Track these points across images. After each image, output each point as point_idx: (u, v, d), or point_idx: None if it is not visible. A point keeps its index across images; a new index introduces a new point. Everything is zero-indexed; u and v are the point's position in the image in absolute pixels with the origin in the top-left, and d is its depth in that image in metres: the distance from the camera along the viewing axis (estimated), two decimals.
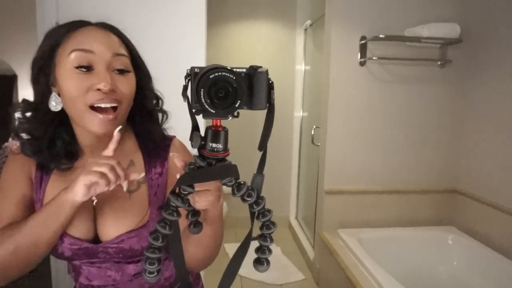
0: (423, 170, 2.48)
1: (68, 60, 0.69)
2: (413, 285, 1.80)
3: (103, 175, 0.64)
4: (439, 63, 2.38)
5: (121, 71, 0.72)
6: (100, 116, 0.69)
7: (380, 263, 1.92)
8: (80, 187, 0.64)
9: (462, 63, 2.40)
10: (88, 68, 0.69)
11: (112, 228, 0.76)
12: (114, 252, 0.76)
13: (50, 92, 0.73)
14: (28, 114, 0.75)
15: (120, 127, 0.71)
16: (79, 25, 0.73)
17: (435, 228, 2.44)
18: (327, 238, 2.35)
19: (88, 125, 0.70)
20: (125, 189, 0.67)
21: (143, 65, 0.80)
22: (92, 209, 0.78)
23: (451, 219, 2.52)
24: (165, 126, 0.87)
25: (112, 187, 0.65)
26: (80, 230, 0.76)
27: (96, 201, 0.77)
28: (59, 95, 0.72)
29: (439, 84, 2.42)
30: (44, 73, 0.72)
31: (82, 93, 0.68)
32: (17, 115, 0.74)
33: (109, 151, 0.68)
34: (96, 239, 0.77)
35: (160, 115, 0.86)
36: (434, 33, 2.18)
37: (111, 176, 0.64)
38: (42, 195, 0.77)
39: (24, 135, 0.74)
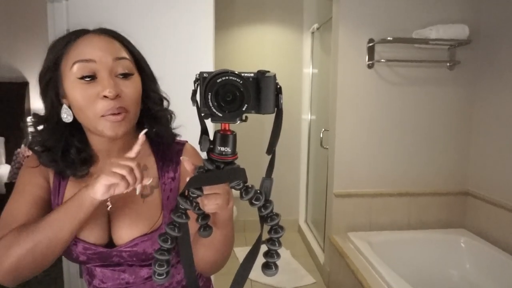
0: (433, 172, 2.46)
1: (71, 73, 0.70)
2: (424, 287, 1.77)
3: (123, 177, 0.64)
4: (448, 64, 2.36)
5: (125, 75, 0.73)
6: (111, 119, 0.70)
7: (391, 266, 1.90)
8: (100, 186, 0.65)
9: (471, 64, 2.37)
10: (91, 77, 0.70)
11: (126, 232, 0.77)
12: (128, 255, 0.77)
13: (61, 104, 0.74)
14: (40, 127, 0.76)
15: (145, 130, 0.72)
16: (78, 34, 0.73)
17: (447, 230, 2.41)
18: (337, 241, 2.34)
19: (101, 130, 0.71)
20: (137, 192, 0.68)
21: (147, 67, 0.81)
22: (106, 214, 0.79)
23: (462, 222, 2.48)
24: (174, 125, 0.87)
25: (130, 188, 0.66)
26: (94, 235, 0.77)
27: (110, 206, 0.78)
28: (69, 106, 0.73)
29: (448, 85, 2.40)
30: (52, 86, 0.73)
31: (90, 102, 0.69)
32: (30, 129, 0.76)
33: (132, 153, 0.69)
34: (110, 243, 0.78)
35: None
36: (442, 35, 2.16)
37: (130, 178, 0.65)
38: (61, 200, 0.78)
39: (39, 148, 0.76)
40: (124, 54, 0.74)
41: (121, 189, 0.65)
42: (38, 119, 0.76)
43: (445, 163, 2.46)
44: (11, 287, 0.70)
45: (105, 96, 0.69)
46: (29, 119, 0.77)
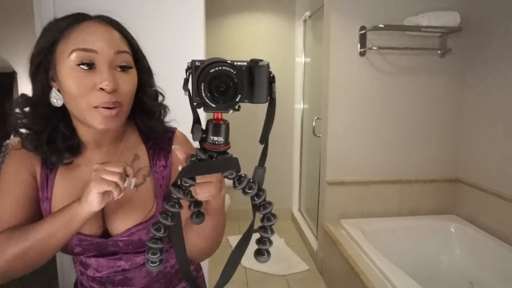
0: (424, 159, 2.49)
1: (69, 59, 0.67)
2: (415, 273, 1.81)
3: (116, 185, 0.64)
4: (439, 52, 2.37)
5: (123, 68, 0.71)
6: (104, 112, 0.68)
7: (382, 253, 1.93)
8: (94, 196, 0.65)
9: (462, 52, 2.38)
10: (90, 66, 0.68)
11: (121, 222, 0.77)
12: (124, 244, 0.78)
13: (50, 88, 0.72)
14: (27, 109, 0.73)
15: (138, 155, 0.75)
16: (79, 19, 0.70)
17: (437, 217, 2.45)
18: (330, 229, 2.36)
19: (91, 122, 0.69)
20: (132, 186, 0.68)
21: (144, 60, 0.79)
22: None
23: (453, 209, 2.53)
24: (168, 119, 0.86)
25: (123, 193, 0.66)
26: (89, 227, 0.77)
27: None
28: (59, 91, 0.71)
29: (439, 73, 2.41)
30: (43, 69, 0.71)
31: (84, 92, 0.67)
32: (16, 110, 0.73)
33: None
34: (104, 233, 0.79)
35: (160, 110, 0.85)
36: (434, 22, 2.16)
37: (121, 184, 0.65)
38: (50, 194, 0.77)
39: (24, 130, 0.74)
40: (125, 47, 0.73)
41: (115, 195, 0.66)
42: (26, 100, 0.73)
43: (437, 150, 2.49)
44: (6, 282, 0.72)
45: (101, 89, 0.67)
46: (18, 95, 0.74)
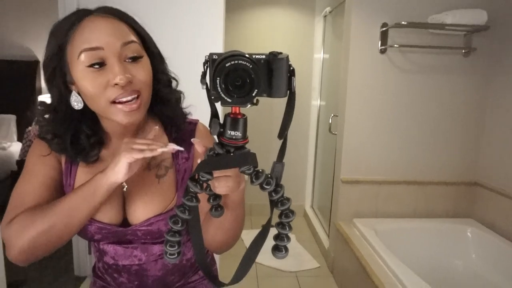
0: (442, 161, 2.43)
1: (79, 61, 0.67)
2: (429, 277, 1.78)
3: (143, 150, 0.65)
4: (463, 51, 2.31)
5: (134, 58, 0.70)
6: (124, 108, 0.68)
7: (395, 254, 1.91)
8: (123, 166, 0.65)
9: (487, 51, 2.31)
10: (100, 64, 0.67)
11: (142, 212, 0.78)
12: (142, 234, 0.79)
13: (69, 91, 0.72)
14: (47, 115, 0.74)
15: (156, 127, 0.73)
16: (81, 16, 0.69)
17: (453, 220, 2.40)
18: (342, 228, 2.35)
19: (114, 117, 0.69)
20: (171, 148, 0.68)
21: (154, 47, 0.77)
22: (122, 195, 0.80)
23: (469, 212, 2.47)
24: (184, 105, 0.86)
25: (154, 153, 0.66)
26: (109, 215, 0.78)
27: (126, 187, 0.79)
28: (78, 93, 0.71)
29: (462, 73, 2.34)
30: (59, 74, 0.71)
31: (101, 90, 0.67)
32: (38, 118, 0.75)
33: (150, 135, 0.71)
34: (124, 222, 0.80)
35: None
36: (459, 20, 2.10)
37: (149, 148, 0.66)
38: (73, 181, 0.79)
39: (49, 136, 0.75)
40: (132, 37, 0.71)
41: (146, 154, 0.65)
42: (45, 108, 0.74)
43: (455, 152, 2.43)
44: (23, 265, 0.72)
45: (116, 84, 0.67)
46: (38, 103, 0.76)
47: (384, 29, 2.24)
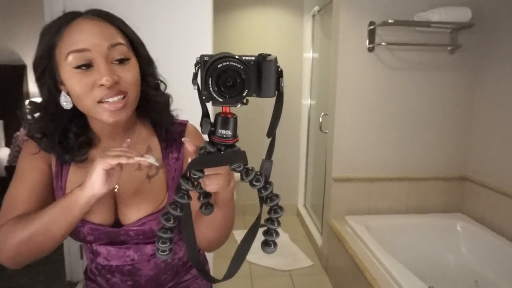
0: (432, 157, 2.47)
1: (67, 63, 0.68)
2: (420, 271, 1.81)
3: (119, 156, 0.64)
4: (449, 48, 2.34)
5: (121, 60, 0.71)
6: (110, 107, 0.69)
7: (388, 250, 1.93)
8: (98, 175, 0.64)
9: (472, 48, 2.35)
10: (87, 66, 0.68)
11: (133, 212, 0.79)
12: (135, 234, 0.79)
13: (59, 91, 0.73)
14: (37, 114, 0.75)
15: (128, 140, 0.73)
16: (70, 19, 0.70)
17: (444, 215, 2.44)
18: (335, 225, 2.36)
19: (100, 117, 0.70)
20: (150, 161, 0.66)
21: (143, 49, 0.78)
22: (113, 196, 0.80)
23: (460, 207, 2.51)
24: (173, 108, 0.86)
25: (130, 162, 0.64)
26: (100, 216, 0.78)
27: (117, 187, 0.80)
28: (68, 93, 0.72)
29: (448, 70, 2.38)
30: (48, 75, 0.72)
31: (87, 91, 0.68)
32: (27, 117, 0.75)
33: (125, 144, 0.71)
34: (116, 223, 0.80)
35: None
36: (445, 18, 2.13)
37: (125, 156, 0.64)
38: (64, 184, 0.79)
39: (38, 134, 0.75)
40: (119, 39, 0.72)
41: (118, 173, 0.65)
42: (35, 107, 0.75)
43: (445, 148, 2.47)
44: (16, 268, 0.73)
45: (102, 85, 0.67)
46: (27, 103, 0.76)
47: (371, 27, 2.27)
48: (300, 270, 2.63)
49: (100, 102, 0.69)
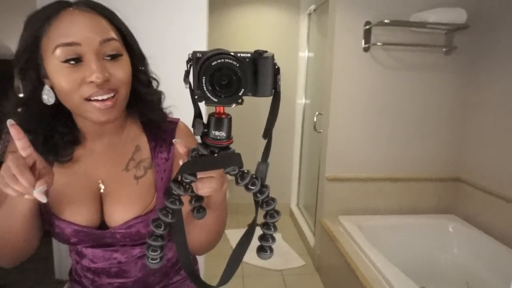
0: (426, 158, 2.47)
1: (54, 56, 0.64)
2: (412, 271, 1.81)
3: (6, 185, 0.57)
4: (444, 49, 2.34)
5: (113, 56, 0.67)
6: (99, 105, 0.65)
7: (380, 250, 1.93)
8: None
9: (468, 50, 2.35)
10: (76, 60, 0.64)
11: (120, 214, 0.76)
12: (121, 236, 0.77)
13: (42, 85, 0.68)
14: (19, 109, 0.70)
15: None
16: (59, 8, 0.65)
17: (436, 216, 2.44)
18: (327, 225, 2.36)
19: (88, 116, 0.67)
20: (35, 194, 0.57)
21: (135, 46, 0.75)
22: (99, 197, 0.77)
23: (453, 208, 2.52)
24: (165, 105, 0.83)
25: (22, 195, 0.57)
26: (85, 218, 0.75)
27: (103, 188, 0.77)
28: (52, 88, 0.68)
29: (443, 71, 2.38)
30: (32, 67, 0.67)
31: (75, 87, 0.64)
32: (8, 111, 0.70)
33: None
34: (102, 225, 0.77)
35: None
36: (440, 18, 2.13)
37: (9, 188, 0.56)
38: None
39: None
40: (112, 34, 0.68)
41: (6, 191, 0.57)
42: (16, 100, 0.70)
43: (438, 148, 2.47)
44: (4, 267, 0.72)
45: (91, 82, 0.64)
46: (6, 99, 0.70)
47: (367, 27, 2.26)
48: (292, 270, 2.62)
49: (88, 99, 0.65)
